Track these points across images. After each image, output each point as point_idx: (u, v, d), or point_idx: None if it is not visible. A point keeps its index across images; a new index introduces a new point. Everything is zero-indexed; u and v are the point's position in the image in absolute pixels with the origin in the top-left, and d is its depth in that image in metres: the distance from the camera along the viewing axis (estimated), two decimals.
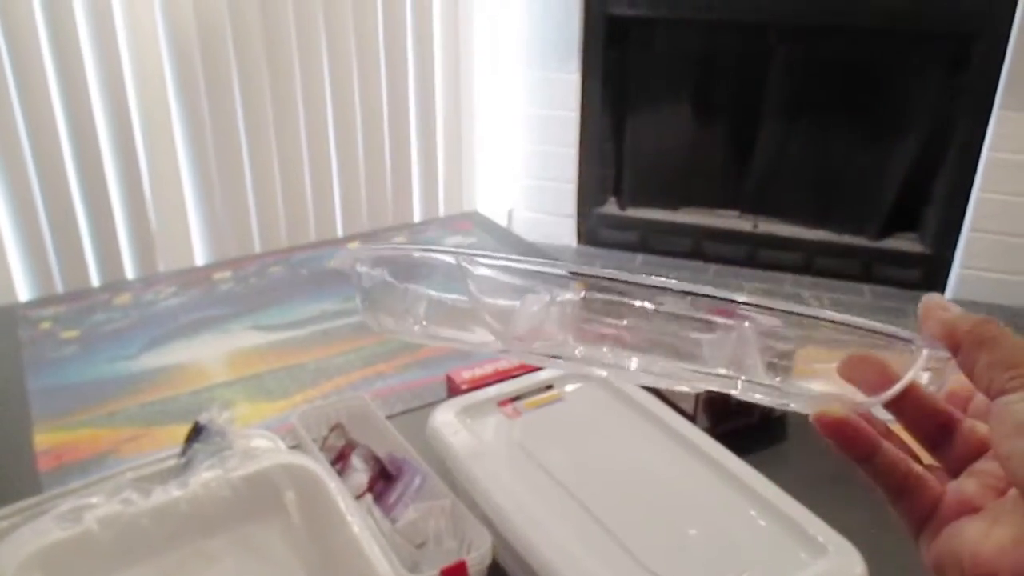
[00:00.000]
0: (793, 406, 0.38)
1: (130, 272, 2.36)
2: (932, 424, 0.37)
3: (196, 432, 0.66)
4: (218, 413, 0.67)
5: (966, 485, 0.35)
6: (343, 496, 0.60)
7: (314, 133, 2.55)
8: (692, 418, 0.84)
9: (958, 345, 0.34)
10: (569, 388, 0.85)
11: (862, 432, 0.35)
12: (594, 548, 0.61)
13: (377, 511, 0.75)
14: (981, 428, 0.36)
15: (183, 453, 0.65)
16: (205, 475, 0.59)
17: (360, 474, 0.80)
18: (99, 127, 2.21)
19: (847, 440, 0.35)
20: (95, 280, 2.30)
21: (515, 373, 0.92)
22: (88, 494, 0.58)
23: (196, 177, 2.39)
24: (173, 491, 0.58)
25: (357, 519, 0.58)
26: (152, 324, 1.23)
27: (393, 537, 0.71)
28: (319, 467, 0.64)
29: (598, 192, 3.10)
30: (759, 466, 0.70)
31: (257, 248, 2.52)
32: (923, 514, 0.35)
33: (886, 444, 0.35)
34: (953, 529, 0.33)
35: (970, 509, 0.34)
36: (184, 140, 2.35)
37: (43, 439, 0.97)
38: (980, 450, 0.36)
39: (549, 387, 0.85)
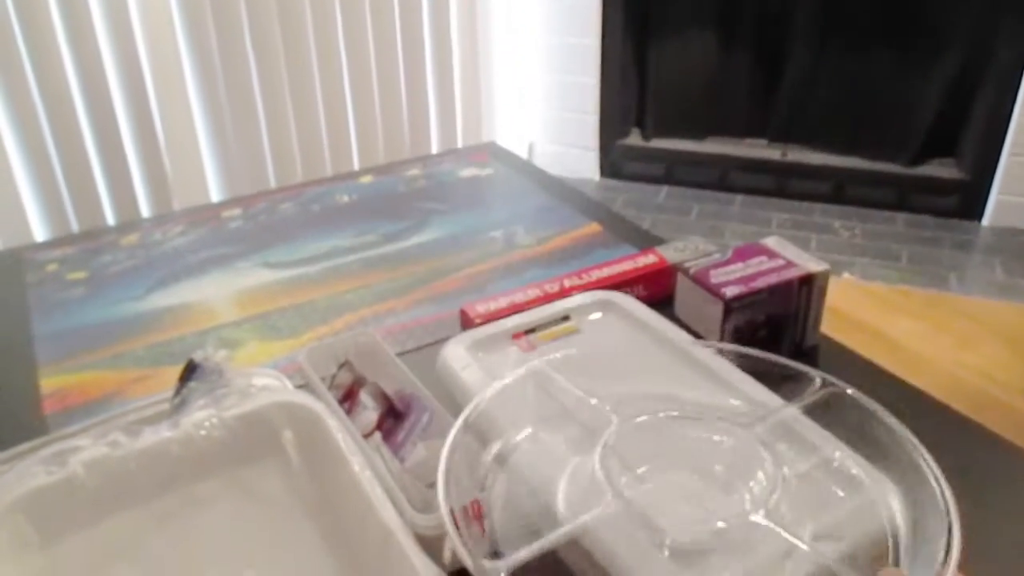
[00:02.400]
0: None
1: (145, 212, 2.33)
2: None
3: (190, 371, 0.62)
4: (214, 351, 0.63)
5: None
6: (344, 435, 0.57)
7: (326, 65, 2.49)
8: (719, 351, 0.79)
9: None
10: (587, 319, 0.81)
11: None
12: (612, 484, 0.57)
13: (386, 450, 0.71)
14: None
15: (177, 393, 0.61)
16: (197, 415, 0.56)
17: (369, 412, 0.76)
18: (107, 66, 2.16)
19: None
20: (110, 221, 2.28)
21: (532, 305, 0.88)
22: (76, 437, 0.55)
23: (208, 115, 2.35)
24: (163, 432, 0.54)
25: (358, 458, 0.55)
26: (160, 264, 1.20)
27: (402, 477, 0.68)
28: (318, 405, 0.60)
29: (621, 123, 3.01)
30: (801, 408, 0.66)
31: (273, 185, 2.48)
32: None
33: None
34: None
35: None
36: (194, 77, 2.30)
37: (49, 382, 0.94)
38: None
39: (566, 318, 0.81)
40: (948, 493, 0.49)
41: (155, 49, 2.21)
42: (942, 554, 0.47)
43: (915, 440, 0.55)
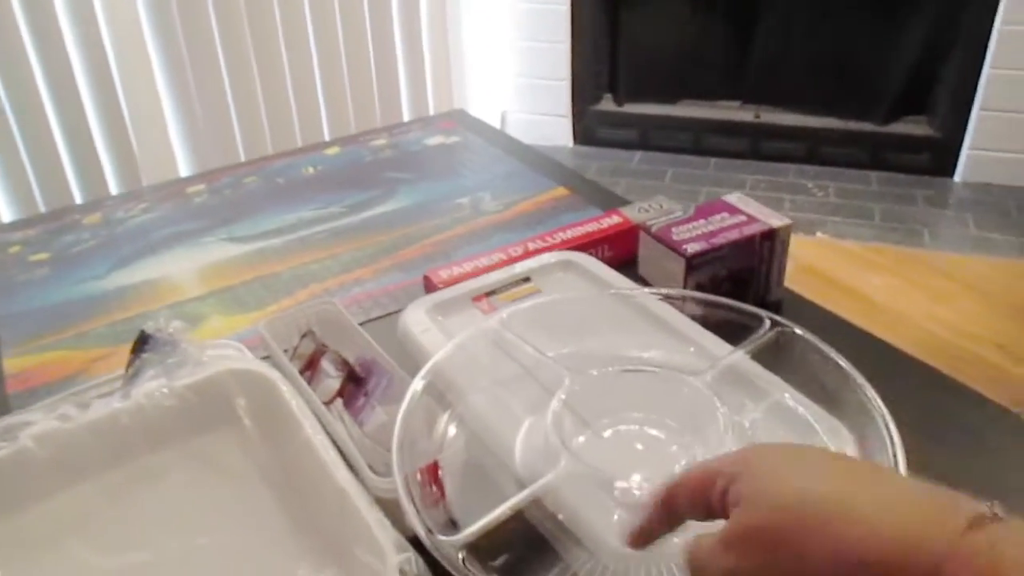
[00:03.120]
0: None
1: (113, 190, 2.30)
2: None
3: (142, 342, 0.61)
4: (167, 322, 0.62)
5: None
6: (297, 400, 0.56)
7: (293, 35, 2.45)
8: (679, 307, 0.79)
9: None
10: (547, 280, 0.81)
11: None
12: (572, 442, 0.57)
13: (347, 416, 0.71)
14: None
15: (130, 365, 0.61)
16: (148, 385, 0.55)
17: (331, 380, 0.76)
18: (68, 42, 2.12)
19: None
20: (79, 201, 2.25)
21: (495, 269, 0.87)
22: (27, 412, 0.55)
23: (173, 89, 2.31)
24: (114, 403, 0.54)
25: (312, 422, 0.54)
26: (123, 242, 1.18)
27: (363, 442, 0.68)
28: (272, 371, 0.60)
29: (593, 89, 2.99)
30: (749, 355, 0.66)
31: (243, 158, 2.45)
32: None
33: None
34: None
35: None
36: (157, 51, 2.26)
37: (12, 363, 0.93)
38: None
39: (526, 280, 0.80)
40: (895, 432, 0.49)
41: (117, 23, 2.17)
42: None
43: (862, 379, 0.55)
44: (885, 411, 0.51)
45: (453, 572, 0.45)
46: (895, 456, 0.47)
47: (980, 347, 1.87)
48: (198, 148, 2.40)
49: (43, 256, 1.16)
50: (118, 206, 1.29)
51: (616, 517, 0.50)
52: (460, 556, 0.47)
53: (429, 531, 0.48)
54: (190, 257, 1.13)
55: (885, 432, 0.50)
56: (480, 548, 0.48)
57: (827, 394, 0.57)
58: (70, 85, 2.15)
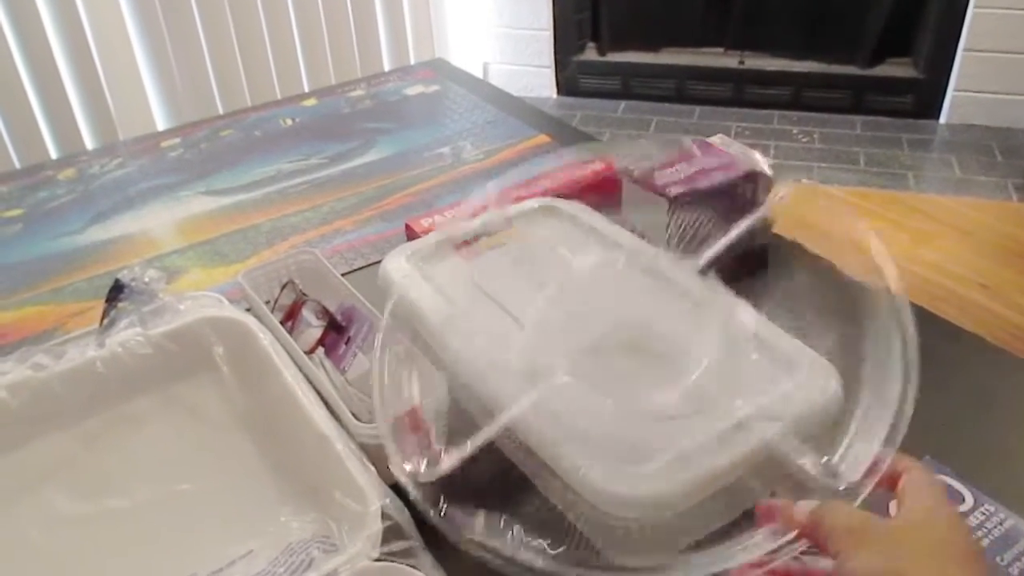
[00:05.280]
0: None
1: (89, 146, 2.26)
2: None
3: (117, 291, 0.60)
4: (142, 271, 0.61)
5: None
6: (275, 346, 0.55)
7: None
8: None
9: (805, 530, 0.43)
10: (530, 225, 0.80)
11: None
12: (555, 384, 0.57)
13: (329, 364, 0.70)
14: None
15: (105, 315, 0.60)
16: (123, 334, 0.54)
17: (312, 329, 0.75)
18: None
19: None
20: (54, 155, 2.21)
21: (476, 215, 0.86)
22: None
23: (147, 43, 2.26)
24: (88, 352, 0.53)
25: (291, 369, 0.54)
26: (98, 197, 1.16)
27: (345, 389, 0.67)
28: (249, 319, 0.59)
29: (575, 38, 2.95)
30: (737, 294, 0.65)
31: (220, 111, 2.41)
32: None
33: None
34: None
35: None
36: (129, 3, 2.20)
37: None
38: None
39: (508, 225, 0.79)
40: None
41: None
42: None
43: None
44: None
45: (431, 509, 0.45)
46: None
47: (963, 287, 1.89)
48: (174, 101, 2.35)
49: (17, 212, 1.15)
50: (93, 161, 1.27)
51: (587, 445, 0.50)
52: (440, 497, 0.47)
53: (410, 471, 0.47)
54: (168, 211, 1.11)
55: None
56: (459, 486, 0.48)
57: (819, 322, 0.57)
58: (42, 40, 2.10)
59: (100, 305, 0.93)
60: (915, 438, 0.47)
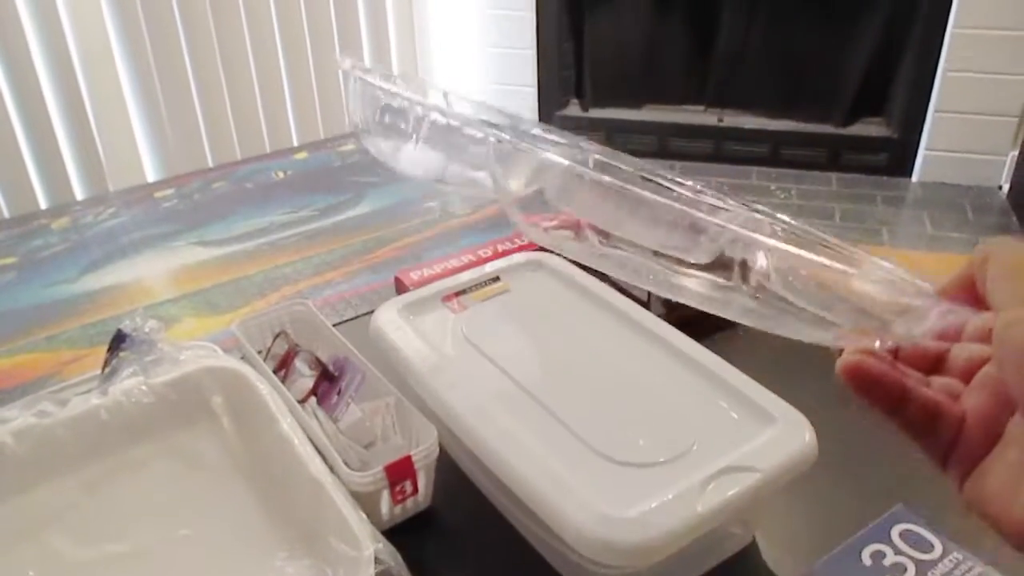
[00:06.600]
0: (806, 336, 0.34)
1: (80, 196, 2.28)
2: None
3: (119, 341, 0.62)
4: (143, 321, 0.63)
5: (980, 401, 0.32)
6: (272, 396, 0.58)
7: (258, 36, 2.45)
8: (646, 305, 0.82)
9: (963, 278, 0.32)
10: (517, 279, 0.82)
11: (887, 383, 0.32)
12: (541, 434, 0.59)
13: (321, 413, 0.72)
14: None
15: (107, 364, 0.62)
16: (127, 382, 0.56)
17: (305, 379, 0.77)
18: (32, 47, 2.10)
19: (871, 393, 0.32)
20: (44, 207, 2.23)
21: (465, 269, 0.89)
22: (4, 409, 0.55)
23: (139, 95, 2.30)
24: (92, 400, 0.55)
25: (288, 418, 0.56)
26: (92, 246, 1.19)
27: (338, 438, 0.69)
28: (247, 368, 0.61)
29: (559, 94, 3.02)
30: (716, 350, 0.68)
31: (210, 163, 2.44)
32: (946, 445, 0.32)
33: (913, 390, 0.33)
34: (978, 481, 0.32)
35: (993, 434, 0.31)
36: (123, 55, 2.25)
37: None
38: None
39: (496, 279, 0.82)
40: None
41: (82, 26, 2.16)
42: None
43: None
44: None
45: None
46: None
47: None
48: (165, 153, 2.38)
49: (10, 260, 1.17)
50: (87, 210, 1.30)
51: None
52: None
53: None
54: (161, 261, 1.14)
55: None
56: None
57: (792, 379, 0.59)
58: (35, 90, 2.13)
59: (95, 353, 0.94)
60: (887, 486, 0.50)
